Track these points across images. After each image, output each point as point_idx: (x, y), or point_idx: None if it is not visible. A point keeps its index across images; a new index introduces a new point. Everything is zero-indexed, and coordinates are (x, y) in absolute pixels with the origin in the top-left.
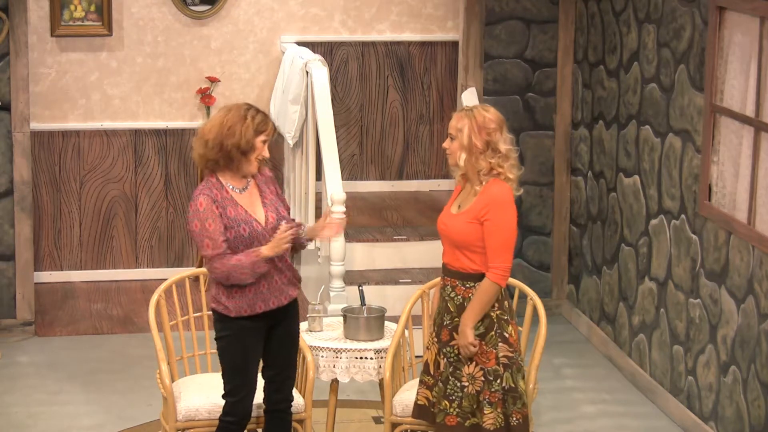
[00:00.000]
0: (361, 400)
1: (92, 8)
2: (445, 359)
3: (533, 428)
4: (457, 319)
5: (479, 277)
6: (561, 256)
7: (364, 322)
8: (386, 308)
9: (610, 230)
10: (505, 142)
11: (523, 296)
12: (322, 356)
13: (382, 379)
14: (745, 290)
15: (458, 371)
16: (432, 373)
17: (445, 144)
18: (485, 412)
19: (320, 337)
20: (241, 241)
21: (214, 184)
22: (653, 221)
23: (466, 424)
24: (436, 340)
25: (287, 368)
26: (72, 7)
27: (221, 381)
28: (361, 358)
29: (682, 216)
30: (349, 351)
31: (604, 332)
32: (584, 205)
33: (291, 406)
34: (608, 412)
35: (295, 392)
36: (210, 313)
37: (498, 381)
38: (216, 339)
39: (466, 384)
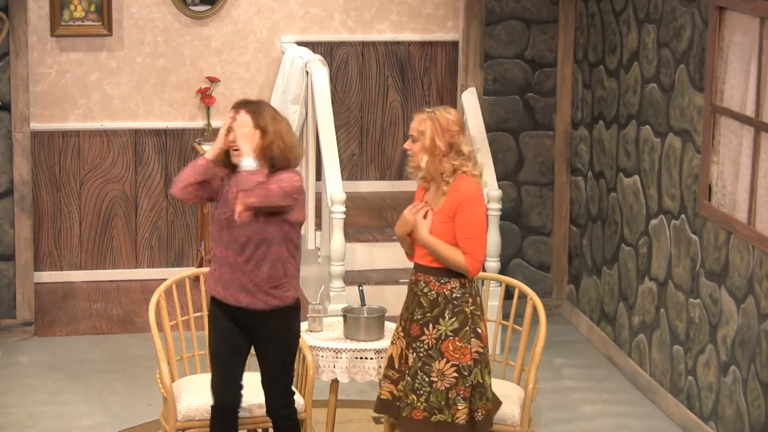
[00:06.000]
0: (361, 400)
1: (92, 8)
2: (415, 354)
3: (533, 428)
4: (429, 314)
5: (453, 272)
6: (561, 256)
7: (364, 322)
8: (386, 308)
9: (610, 230)
10: (467, 144)
11: (523, 296)
12: (322, 356)
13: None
14: (745, 290)
15: (427, 366)
16: (397, 367)
17: (407, 145)
18: (459, 407)
19: (320, 337)
20: None
21: None
22: (653, 221)
23: (432, 419)
24: (403, 334)
25: (276, 374)
26: (72, 7)
27: None
28: (361, 358)
29: (682, 216)
30: (349, 351)
31: (604, 332)
32: (584, 205)
33: (293, 411)
34: (608, 412)
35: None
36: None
37: (471, 376)
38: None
39: (435, 380)
